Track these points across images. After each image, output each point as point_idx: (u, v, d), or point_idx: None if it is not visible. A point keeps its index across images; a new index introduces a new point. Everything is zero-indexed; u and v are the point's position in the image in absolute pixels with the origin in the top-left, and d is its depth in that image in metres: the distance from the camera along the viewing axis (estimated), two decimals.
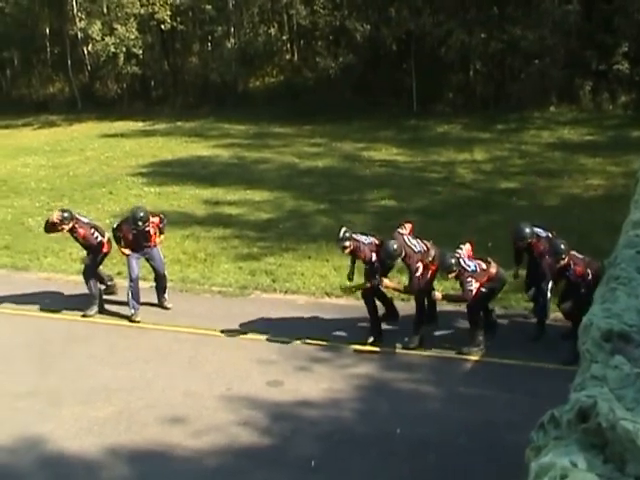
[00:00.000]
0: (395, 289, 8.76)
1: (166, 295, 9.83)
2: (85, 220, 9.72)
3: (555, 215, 11.71)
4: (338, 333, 8.76)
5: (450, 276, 8.15)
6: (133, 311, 9.45)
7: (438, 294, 8.31)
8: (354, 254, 8.51)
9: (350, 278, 8.90)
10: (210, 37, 27.60)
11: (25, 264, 11.72)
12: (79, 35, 26.40)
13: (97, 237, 9.49)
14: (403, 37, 23.33)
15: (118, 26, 24.95)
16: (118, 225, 9.64)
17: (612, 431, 2.56)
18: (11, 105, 28.04)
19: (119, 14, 25.32)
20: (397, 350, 8.36)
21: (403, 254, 8.19)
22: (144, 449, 6.69)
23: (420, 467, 6.26)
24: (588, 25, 21.10)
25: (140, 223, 9.21)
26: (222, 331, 8.98)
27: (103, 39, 24.85)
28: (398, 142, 19.17)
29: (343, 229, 8.50)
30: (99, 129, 23.84)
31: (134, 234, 9.36)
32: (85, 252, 9.79)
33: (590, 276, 7.36)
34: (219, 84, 25.95)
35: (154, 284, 9.88)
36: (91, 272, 9.68)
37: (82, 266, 9.88)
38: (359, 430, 6.85)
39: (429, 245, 8.46)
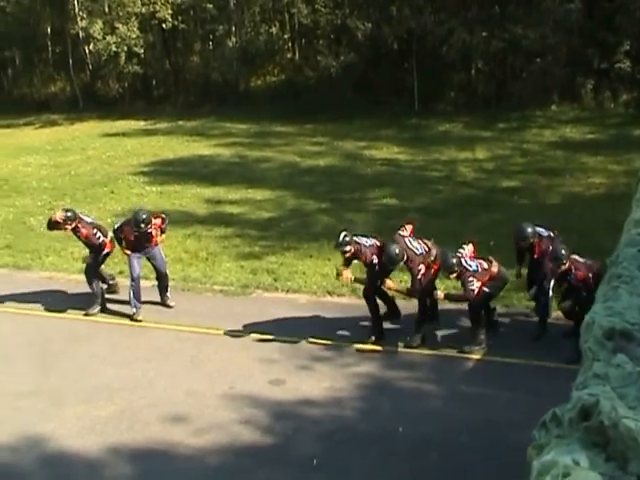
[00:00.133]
0: (398, 291, 8.76)
1: (168, 294, 9.85)
2: (88, 220, 9.70)
3: (557, 214, 11.71)
4: (340, 332, 8.76)
5: (452, 276, 8.16)
6: (135, 310, 9.46)
7: (440, 293, 8.30)
8: (355, 257, 8.48)
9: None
10: (211, 36, 27.55)
11: (27, 263, 11.72)
12: (80, 34, 26.42)
13: (99, 237, 9.47)
14: (404, 36, 23.29)
15: (119, 25, 24.95)
16: (120, 226, 9.59)
17: (614, 429, 2.56)
18: (13, 104, 28.03)
19: (120, 13, 25.34)
20: (399, 349, 8.35)
21: (405, 258, 8.16)
22: (146, 448, 6.70)
23: (421, 466, 6.26)
24: (590, 23, 21.05)
25: (142, 225, 9.19)
26: (224, 330, 8.98)
27: (104, 38, 24.83)
28: (399, 141, 19.14)
29: (343, 233, 8.39)
30: (100, 128, 23.83)
31: (136, 236, 9.34)
32: (87, 251, 9.80)
33: (591, 279, 7.37)
34: (220, 83, 25.91)
35: (156, 283, 9.89)
36: (93, 271, 9.68)
37: (84, 265, 9.88)
38: (361, 429, 6.85)
39: (430, 245, 8.43)
